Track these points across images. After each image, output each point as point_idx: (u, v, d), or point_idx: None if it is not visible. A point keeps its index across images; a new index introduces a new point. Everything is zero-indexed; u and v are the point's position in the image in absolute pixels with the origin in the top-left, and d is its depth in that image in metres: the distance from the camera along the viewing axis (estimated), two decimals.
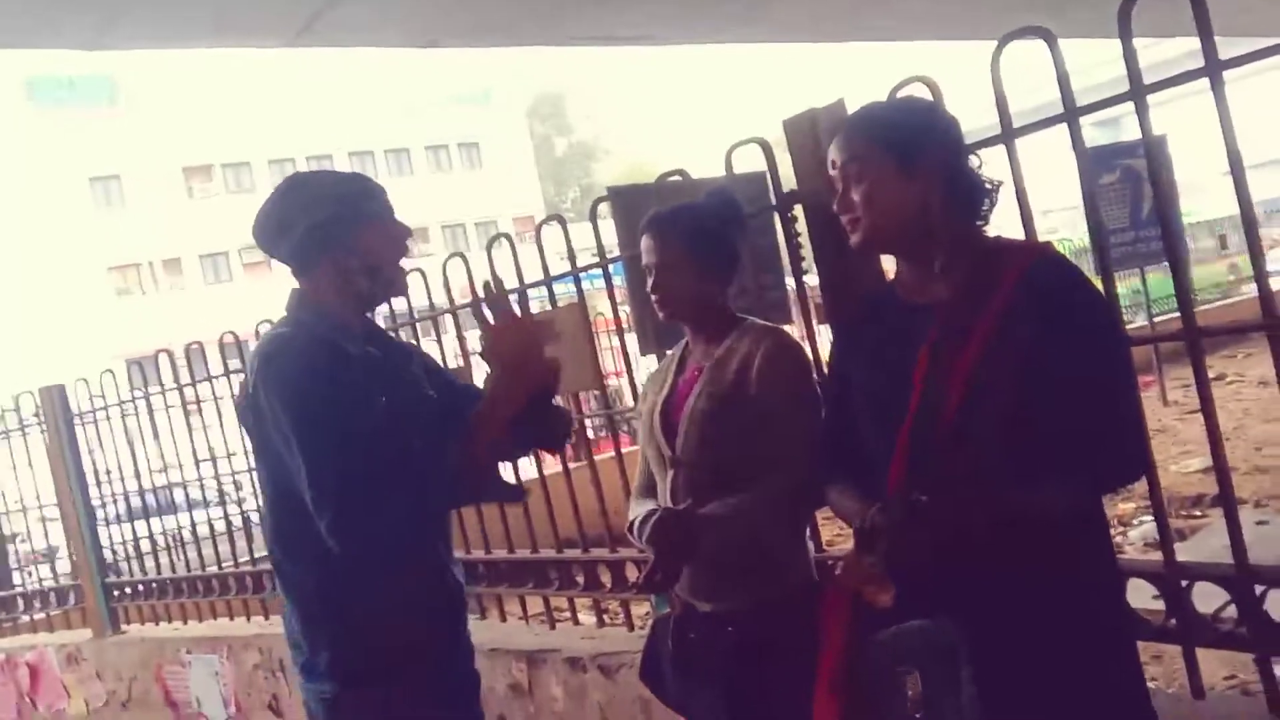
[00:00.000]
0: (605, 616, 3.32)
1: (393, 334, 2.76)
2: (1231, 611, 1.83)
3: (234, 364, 4.21)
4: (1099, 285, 1.75)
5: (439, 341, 3.70)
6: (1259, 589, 1.79)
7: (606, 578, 3.14)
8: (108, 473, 5.04)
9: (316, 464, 1.82)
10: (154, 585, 4.96)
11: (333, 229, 1.97)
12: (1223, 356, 11.18)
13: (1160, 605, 1.92)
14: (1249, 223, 1.77)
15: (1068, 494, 1.53)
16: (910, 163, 1.60)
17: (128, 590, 5.12)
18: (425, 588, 2.04)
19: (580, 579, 3.22)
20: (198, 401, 4.50)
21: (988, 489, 1.49)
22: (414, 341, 3.39)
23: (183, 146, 33.02)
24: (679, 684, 2.12)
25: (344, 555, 1.83)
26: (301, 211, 1.97)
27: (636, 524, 2.06)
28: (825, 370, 2.00)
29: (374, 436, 1.84)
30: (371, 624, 1.94)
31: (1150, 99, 1.83)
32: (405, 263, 2.08)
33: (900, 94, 1.94)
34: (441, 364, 2.58)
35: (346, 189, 2.01)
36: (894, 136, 1.62)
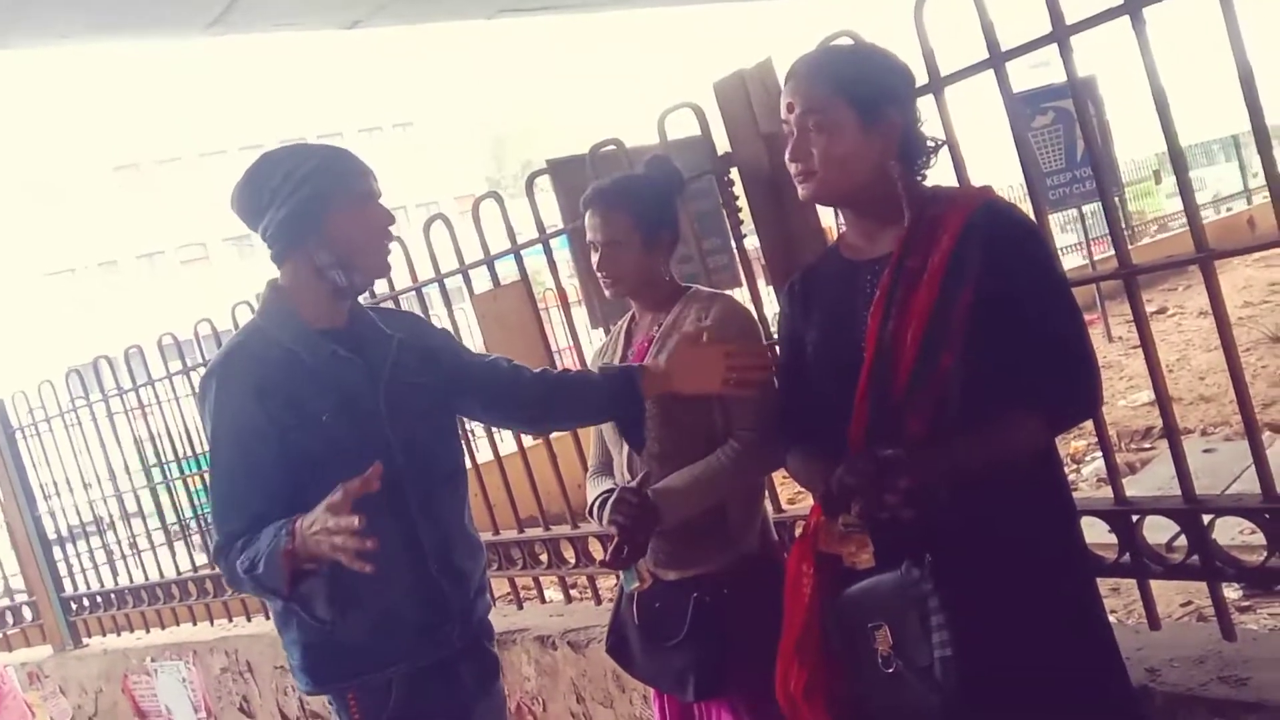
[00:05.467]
0: (573, 592, 3.32)
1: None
2: (1182, 542, 1.86)
3: (175, 366, 4.14)
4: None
5: None
6: (1206, 518, 1.82)
7: (570, 554, 3.14)
8: (54, 485, 4.94)
9: (210, 491, 1.89)
10: (112, 596, 4.87)
11: (300, 221, 1.83)
12: (1163, 290, 11.41)
13: (1114, 540, 1.95)
14: (1176, 156, 1.77)
15: (1029, 435, 1.53)
16: (872, 118, 1.57)
17: (86, 603, 5.03)
18: (392, 590, 1.89)
19: (544, 557, 3.21)
20: (141, 406, 4.40)
21: (953, 437, 1.49)
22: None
23: (110, 144, 32.09)
24: (646, 655, 2.12)
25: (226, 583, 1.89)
26: (270, 198, 1.83)
27: (595, 506, 2.04)
28: (773, 332, 1.99)
29: (263, 480, 1.79)
30: (331, 626, 1.87)
31: (1083, 37, 1.81)
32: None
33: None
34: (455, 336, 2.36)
35: (318, 170, 1.84)
36: (858, 89, 1.57)
